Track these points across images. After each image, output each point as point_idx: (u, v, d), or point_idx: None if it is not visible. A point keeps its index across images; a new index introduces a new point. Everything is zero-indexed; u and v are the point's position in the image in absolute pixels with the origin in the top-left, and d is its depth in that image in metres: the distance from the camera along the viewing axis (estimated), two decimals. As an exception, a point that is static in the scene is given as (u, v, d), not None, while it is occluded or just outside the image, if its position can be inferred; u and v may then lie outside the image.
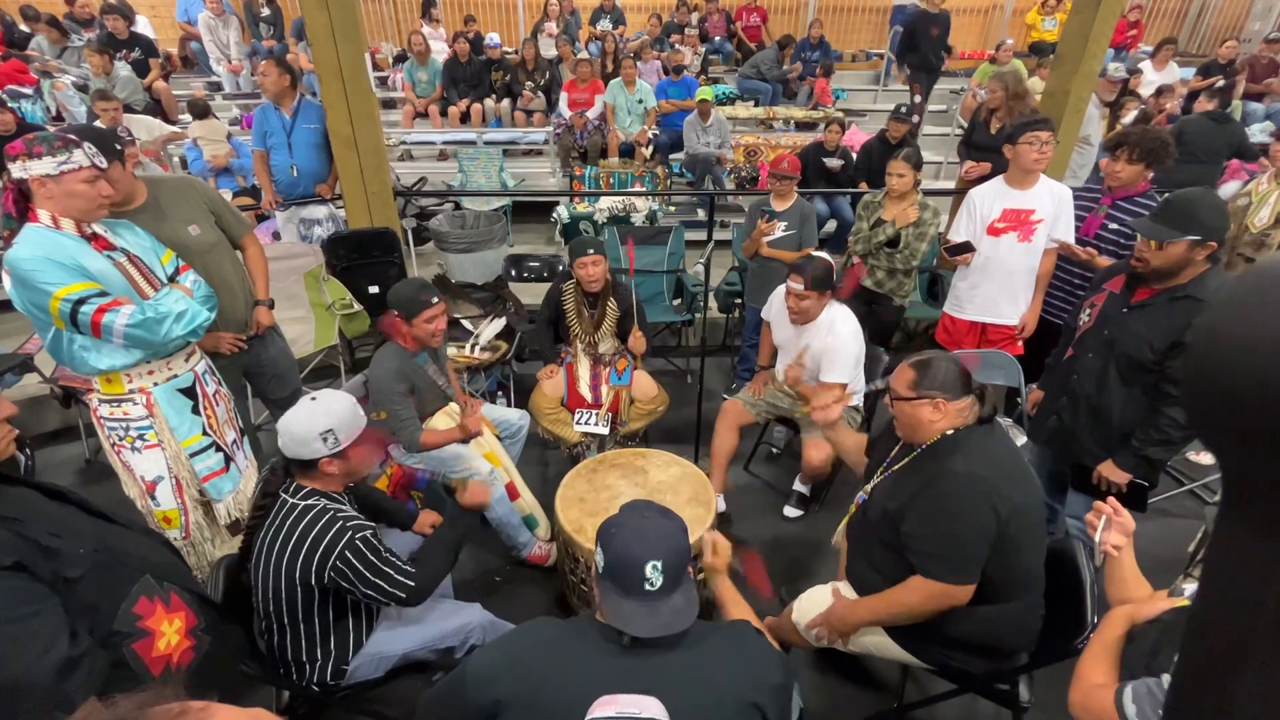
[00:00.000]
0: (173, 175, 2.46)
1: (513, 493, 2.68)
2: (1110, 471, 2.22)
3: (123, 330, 1.94)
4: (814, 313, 2.67)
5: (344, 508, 1.71)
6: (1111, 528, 1.47)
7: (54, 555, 1.19)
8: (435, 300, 2.43)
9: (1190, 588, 1.41)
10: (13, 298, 1.89)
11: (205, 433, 2.29)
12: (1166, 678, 1.15)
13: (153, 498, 2.24)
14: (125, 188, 2.26)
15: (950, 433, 1.71)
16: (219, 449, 2.34)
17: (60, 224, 1.90)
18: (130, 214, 2.28)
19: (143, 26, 7.48)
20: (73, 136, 1.89)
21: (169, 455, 2.22)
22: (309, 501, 1.67)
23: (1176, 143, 2.81)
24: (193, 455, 2.27)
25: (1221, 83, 6.30)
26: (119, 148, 2.19)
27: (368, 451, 1.78)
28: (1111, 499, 1.53)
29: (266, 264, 2.75)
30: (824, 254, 2.78)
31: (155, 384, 2.16)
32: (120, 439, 2.17)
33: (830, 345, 2.66)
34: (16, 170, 1.83)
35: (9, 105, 5.20)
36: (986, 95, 4.14)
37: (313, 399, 1.72)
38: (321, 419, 1.66)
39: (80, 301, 1.87)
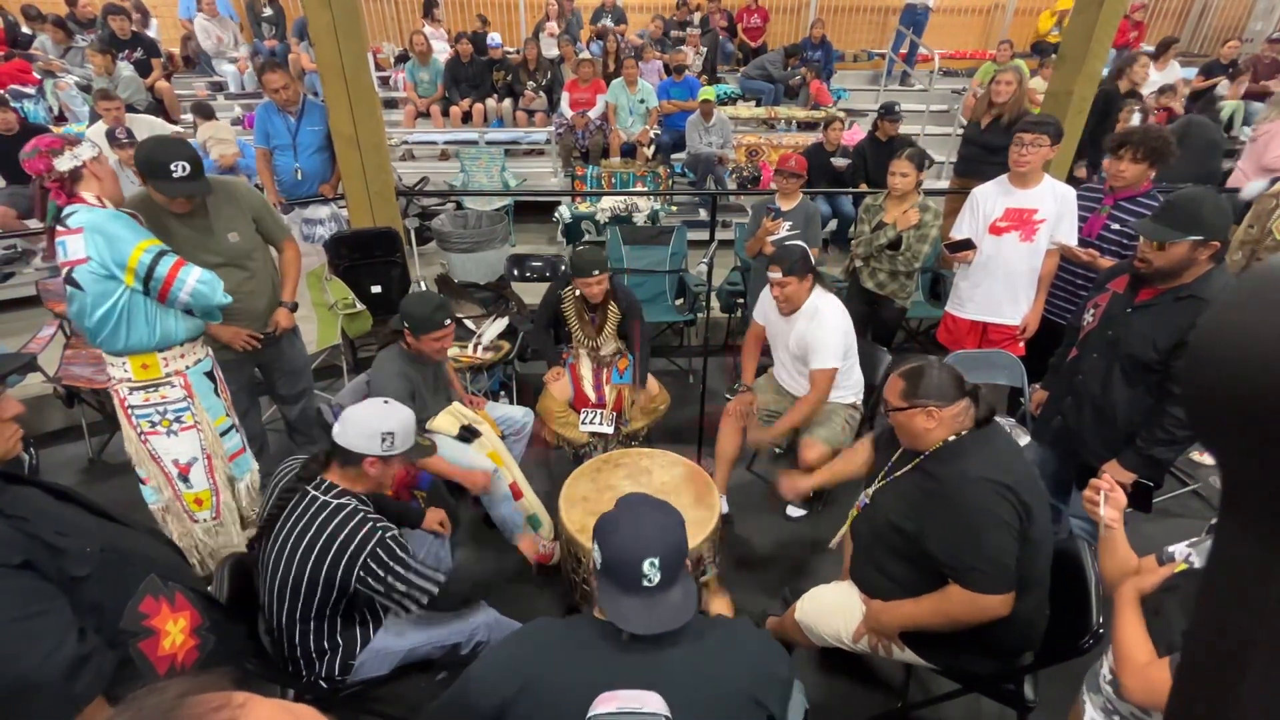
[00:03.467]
0: (219, 177, 2.57)
1: (516, 492, 2.68)
2: (1115, 472, 2.21)
3: (193, 286, 2.07)
4: (799, 298, 2.69)
5: (371, 510, 1.74)
6: (1109, 503, 1.53)
7: (61, 554, 1.19)
8: (448, 322, 2.47)
9: (1179, 549, 1.43)
10: (89, 254, 1.95)
11: (227, 414, 2.41)
12: None
13: (185, 480, 2.31)
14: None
15: (951, 439, 1.70)
16: (237, 430, 2.47)
17: (105, 204, 2.03)
18: (180, 219, 2.39)
19: (154, 28, 7.51)
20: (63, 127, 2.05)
21: (205, 436, 2.32)
22: (341, 500, 1.69)
23: (1179, 142, 2.80)
24: (221, 434, 2.39)
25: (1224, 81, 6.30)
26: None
27: (398, 470, 1.85)
28: (1106, 475, 1.59)
29: (299, 269, 2.85)
30: (799, 243, 2.81)
31: (188, 366, 2.25)
32: (154, 424, 2.23)
33: (814, 331, 2.66)
34: (67, 161, 1.96)
35: (12, 105, 5.22)
36: (1001, 86, 4.07)
37: (385, 403, 1.82)
38: (391, 420, 1.75)
39: (162, 253, 2.02)
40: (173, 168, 2.21)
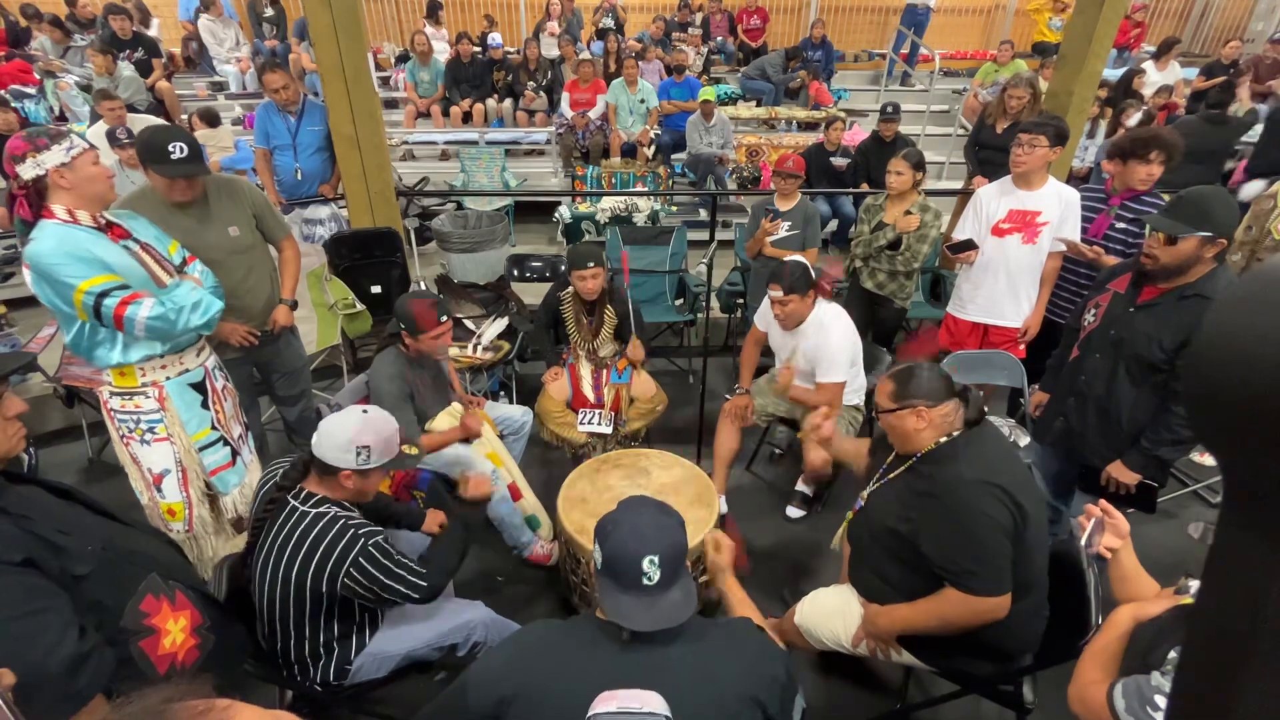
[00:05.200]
0: (221, 175, 2.59)
1: (515, 493, 2.68)
2: (1119, 472, 2.21)
3: (144, 323, 1.98)
4: (801, 314, 2.67)
5: (354, 515, 1.71)
6: (1104, 530, 1.48)
7: (63, 552, 1.19)
8: (444, 319, 2.46)
9: (1195, 585, 1.41)
10: (36, 292, 1.91)
11: (214, 427, 2.34)
12: (1156, 675, 1.17)
13: (159, 489, 2.28)
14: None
15: (944, 441, 1.70)
16: (226, 443, 2.39)
17: (77, 217, 1.93)
18: (181, 209, 2.38)
19: (155, 28, 7.52)
20: (63, 126, 1.93)
21: (178, 449, 2.26)
22: (320, 509, 1.66)
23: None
24: (202, 449, 2.31)
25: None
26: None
27: (380, 479, 1.80)
28: (1103, 501, 1.55)
29: (299, 267, 2.83)
30: (798, 257, 2.80)
31: (168, 378, 2.20)
32: (130, 431, 2.21)
33: (821, 346, 2.66)
34: (29, 169, 1.84)
35: (13, 105, 5.22)
36: (1014, 101, 3.99)
37: (365, 412, 1.74)
38: (367, 434, 1.69)
39: (104, 294, 1.91)
40: (171, 149, 2.22)
